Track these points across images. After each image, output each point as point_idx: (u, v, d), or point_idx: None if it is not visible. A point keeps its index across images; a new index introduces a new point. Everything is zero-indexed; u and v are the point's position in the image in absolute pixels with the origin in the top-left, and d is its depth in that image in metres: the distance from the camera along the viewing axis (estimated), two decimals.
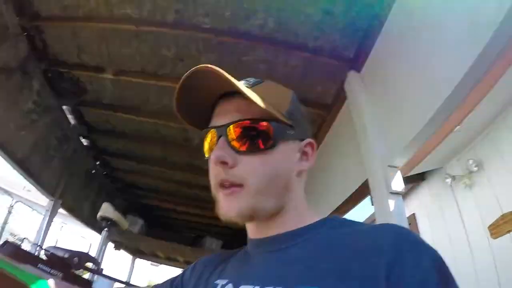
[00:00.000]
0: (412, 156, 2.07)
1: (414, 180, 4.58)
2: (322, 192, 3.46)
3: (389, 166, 2.08)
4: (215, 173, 0.77)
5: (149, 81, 3.20)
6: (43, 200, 4.72)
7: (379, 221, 2.04)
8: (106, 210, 3.77)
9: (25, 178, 3.82)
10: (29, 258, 2.27)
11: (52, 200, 4.37)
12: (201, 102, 0.84)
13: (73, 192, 4.80)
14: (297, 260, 0.71)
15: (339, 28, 2.44)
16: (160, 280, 1.14)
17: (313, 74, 2.84)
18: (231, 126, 0.76)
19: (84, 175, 5.07)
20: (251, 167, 0.75)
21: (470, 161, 3.74)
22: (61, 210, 4.65)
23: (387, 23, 2.28)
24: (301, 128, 0.85)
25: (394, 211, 1.92)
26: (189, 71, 0.77)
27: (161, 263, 8.25)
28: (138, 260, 8.41)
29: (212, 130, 0.80)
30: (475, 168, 3.69)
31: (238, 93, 0.77)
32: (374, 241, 0.65)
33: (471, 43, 1.46)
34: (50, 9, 2.87)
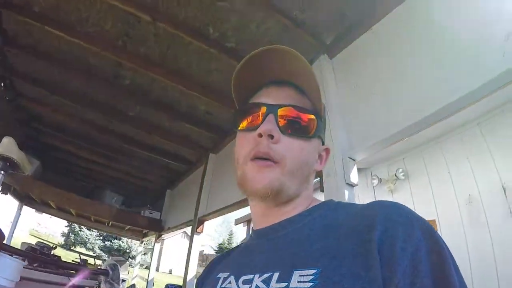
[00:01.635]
0: (371, 154, 2.21)
1: None
2: None
3: (349, 157, 2.16)
4: (254, 143, 0.81)
5: None
6: None
7: None
8: (8, 147, 3.04)
9: None
10: None
11: None
12: (256, 79, 0.91)
13: None
14: (293, 244, 0.75)
15: (328, 10, 2.48)
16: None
17: (285, 43, 2.73)
18: (284, 108, 0.83)
19: None
20: (291, 149, 0.81)
21: (400, 170, 4.24)
22: None
23: (377, 26, 2.37)
24: (324, 134, 0.97)
25: (347, 200, 2.02)
26: (269, 47, 0.83)
27: (51, 214, 7.49)
28: (25, 208, 7.52)
29: (262, 106, 0.85)
30: (403, 177, 4.18)
31: (290, 82, 0.88)
32: (366, 218, 0.67)
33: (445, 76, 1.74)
34: None
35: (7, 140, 3.12)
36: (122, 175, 6.91)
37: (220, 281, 0.83)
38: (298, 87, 0.88)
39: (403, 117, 1.92)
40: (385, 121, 2.05)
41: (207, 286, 0.93)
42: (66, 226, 32.75)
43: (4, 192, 6.30)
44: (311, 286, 0.61)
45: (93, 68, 3.85)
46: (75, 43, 3.47)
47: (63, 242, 31.79)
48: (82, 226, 27.23)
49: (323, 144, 0.96)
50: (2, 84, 4.56)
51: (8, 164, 3.12)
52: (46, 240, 20.70)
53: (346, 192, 2.04)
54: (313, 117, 0.86)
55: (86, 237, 32.23)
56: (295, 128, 0.83)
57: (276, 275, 0.68)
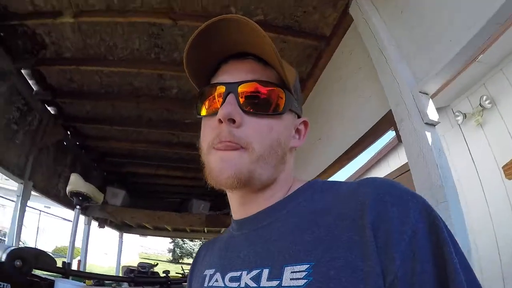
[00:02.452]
0: (444, 83, 1.85)
1: None
2: (327, 135, 3.28)
3: (420, 92, 1.84)
4: (215, 132, 0.72)
5: (117, 19, 2.84)
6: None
7: (411, 161, 1.84)
8: (76, 183, 3.26)
9: None
10: None
11: (21, 183, 3.85)
12: (210, 57, 0.80)
13: (44, 170, 4.33)
14: (281, 236, 0.68)
15: None
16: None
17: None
18: (244, 84, 0.73)
19: (55, 149, 4.57)
20: (258, 130, 0.72)
21: (484, 97, 3.51)
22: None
23: None
24: (299, 105, 0.86)
25: (433, 144, 1.70)
26: (215, 19, 0.71)
27: (150, 235, 7.98)
28: (126, 236, 8.08)
29: (219, 86, 0.75)
30: (489, 105, 3.48)
31: (252, 54, 0.78)
32: (356, 200, 0.62)
33: None
34: None
35: (73, 177, 3.34)
36: (202, 182, 6.82)
37: (207, 279, 0.79)
38: (260, 59, 0.78)
39: (464, 28, 1.60)
40: (444, 40, 1.74)
41: (194, 284, 0.88)
42: (170, 243, 35.03)
43: (101, 225, 6.79)
44: (305, 283, 0.56)
45: (139, 89, 3.91)
46: (114, 72, 3.58)
47: (171, 258, 34.12)
48: (184, 239, 28.78)
49: (299, 117, 0.86)
50: (69, 132, 4.89)
51: (80, 198, 3.31)
52: (153, 259, 22.17)
53: (428, 134, 1.72)
54: (279, 90, 0.75)
55: (190, 248, 34.20)
56: (260, 106, 0.73)
57: (265, 271, 0.63)
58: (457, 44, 1.62)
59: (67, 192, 3.26)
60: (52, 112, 4.33)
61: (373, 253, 0.53)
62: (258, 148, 0.70)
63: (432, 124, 1.78)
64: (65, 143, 4.88)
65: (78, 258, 5.99)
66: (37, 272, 2.65)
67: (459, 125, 3.79)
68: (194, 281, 0.91)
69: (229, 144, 0.69)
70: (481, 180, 3.49)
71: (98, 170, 6.08)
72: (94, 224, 6.71)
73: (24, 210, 3.94)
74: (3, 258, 2.06)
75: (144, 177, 6.65)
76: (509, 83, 3.34)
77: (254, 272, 0.65)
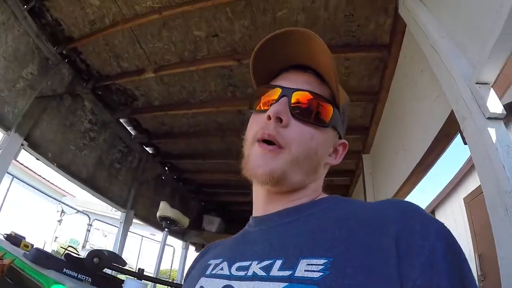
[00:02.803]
0: (503, 64, 1.53)
1: None
2: (403, 147, 3.12)
3: (477, 83, 1.59)
4: (261, 126, 0.75)
5: (190, 68, 3.14)
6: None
7: (477, 166, 1.56)
8: (164, 209, 3.77)
9: (94, 195, 3.99)
10: (53, 264, 2.32)
11: (124, 211, 4.53)
12: (275, 62, 0.86)
13: (145, 200, 4.95)
14: (299, 233, 0.68)
15: None
16: None
17: (360, 10, 2.56)
18: (299, 92, 0.77)
19: (154, 182, 5.20)
20: (300, 135, 0.74)
21: None
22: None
23: None
24: (343, 128, 0.89)
25: (498, 142, 1.42)
26: (288, 29, 0.78)
27: None
28: None
29: (276, 88, 0.79)
30: None
31: (312, 69, 0.82)
32: (380, 213, 0.63)
33: None
34: (80, 28, 2.98)
35: (162, 204, 3.81)
36: None
37: (211, 267, 0.76)
38: (319, 74, 0.82)
39: None
40: (490, 13, 1.47)
41: (195, 273, 0.83)
42: None
43: (198, 250, 7.23)
44: (321, 276, 0.55)
45: (223, 125, 4.19)
46: (198, 113, 3.91)
47: None
48: None
49: (340, 138, 0.87)
50: (167, 168, 5.42)
51: (168, 222, 3.74)
52: None
53: (492, 131, 1.45)
54: (329, 105, 0.79)
55: None
56: (307, 114, 0.76)
57: (278, 262, 0.62)
58: (502, 13, 1.36)
59: (157, 217, 3.79)
60: (150, 151, 4.91)
61: (393, 260, 0.54)
62: (295, 151, 0.73)
63: (496, 118, 1.51)
64: (163, 177, 5.46)
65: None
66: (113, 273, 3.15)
67: None
68: (194, 270, 0.88)
69: (271, 138, 0.72)
70: None
71: (195, 200, 6.60)
72: (192, 248, 7.24)
73: (126, 235, 4.61)
74: (85, 256, 2.55)
75: (238, 205, 6.98)
76: None
77: (265, 262, 0.64)
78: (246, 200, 6.38)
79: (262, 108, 0.79)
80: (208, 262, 0.79)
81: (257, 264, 0.65)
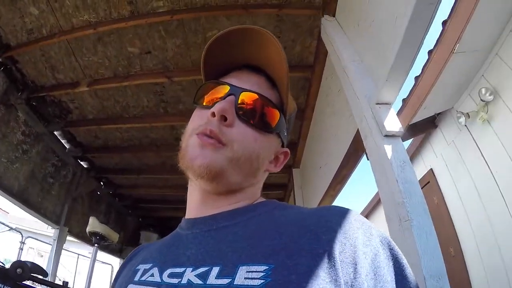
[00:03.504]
0: (399, 87, 1.72)
1: (424, 128, 3.92)
2: (324, 162, 3.36)
3: (377, 104, 1.76)
4: (204, 121, 0.72)
5: (124, 83, 3.32)
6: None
7: (377, 180, 1.72)
8: (92, 224, 3.79)
9: (26, 211, 3.94)
10: None
11: (57, 228, 4.46)
12: (228, 58, 0.84)
13: (79, 217, 4.91)
14: (237, 238, 0.65)
15: None
16: None
17: (286, 32, 2.86)
18: (247, 93, 0.75)
19: (89, 198, 5.19)
20: (243, 136, 0.73)
21: (483, 90, 3.06)
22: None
23: None
24: (287, 137, 0.88)
25: (394, 158, 1.56)
26: (248, 26, 0.77)
27: None
28: None
29: (225, 85, 0.77)
30: (490, 97, 3.02)
31: (264, 73, 0.82)
32: (321, 219, 0.62)
33: None
34: (17, 36, 3.06)
35: (91, 219, 3.91)
36: None
37: (139, 273, 0.71)
38: (270, 78, 0.81)
39: (399, 17, 1.54)
40: (388, 40, 1.69)
41: (122, 280, 0.78)
42: None
43: None
44: (262, 283, 0.53)
45: (156, 140, 4.36)
46: (131, 128, 4.06)
47: None
48: None
49: (283, 146, 0.87)
50: (102, 183, 5.44)
51: (97, 237, 3.83)
52: None
53: (388, 148, 1.59)
54: (276, 111, 0.78)
55: None
56: (253, 116, 0.74)
57: (215, 269, 0.59)
58: (396, 39, 1.53)
59: (86, 232, 3.83)
60: (85, 165, 4.93)
61: (337, 266, 0.53)
62: (237, 149, 0.71)
63: (393, 136, 1.66)
64: (98, 193, 5.47)
65: None
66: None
67: (466, 126, 3.36)
68: (121, 276, 0.81)
69: (212, 135, 0.69)
70: (498, 184, 3.01)
71: (132, 215, 6.59)
72: None
73: (60, 252, 4.51)
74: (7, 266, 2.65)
75: (176, 221, 6.90)
76: (508, 68, 2.87)
77: (201, 269, 0.60)
78: (183, 215, 6.49)
79: (207, 104, 0.78)
80: (137, 267, 0.74)
81: (191, 271, 0.61)
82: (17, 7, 2.78)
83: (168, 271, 0.65)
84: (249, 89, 0.75)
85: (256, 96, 0.75)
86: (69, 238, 4.74)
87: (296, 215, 0.67)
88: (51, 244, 4.57)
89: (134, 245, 6.52)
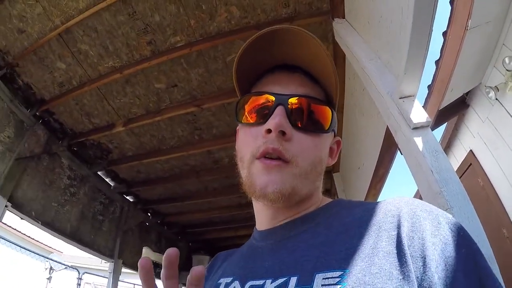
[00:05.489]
0: (418, 77, 1.68)
1: (456, 110, 3.70)
2: (362, 162, 3.36)
3: (400, 98, 1.74)
4: (261, 141, 0.68)
5: (156, 118, 3.41)
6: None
7: (413, 173, 1.70)
8: (146, 253, 3.96)
9: (80, 249, 4.12)
10: None
11: (112, 261, 4.63)
12: (261, 63, 0.79)
13: (131, 248, 5.06)
14: (310, 246, 0.64)
15: None
16: None
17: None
18: (295, 98, 0.71)
19: (138, 229, 5.35)
20: (304, 147, 0.69)
21: (507, 59, 2.87)
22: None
23: None
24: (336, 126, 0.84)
25: (425, 149, 1.55)
26: (278, 26, 0.72)
27: None
28: None
29: (268, 95, 0.72)
30: None
31: (299, 68, 0.77)
32: (388, 214, 0.61)
33: None
34: (50, 91, 3.26)
35: (144, 249, 4.12)
36: None
37: (222, 287, 0.71)
38: (308, 73, 0.76)
39: (405, 9, 1.53)
40: (400, 33, 1.66)
41: None
42: None
43: None
44: None
45: (196, 166, 4.45)
46: (170, 158, 4.15)
47: None
48: None
49: (335, 135, 0.84)
50: (149, 214, 5.62)
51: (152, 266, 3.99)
52: None
53: (418, 140, 1.58)
54: (327, 109, 0.74)
55: None
56: (308, 123, 0.71)
57: (293, 279, 0.58)
58: (406, 30, 1.52)
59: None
60: (131, 200, 5.11)
61: (408, 262, 0.53)
62: (302, 164, 0.68)
63: (422, 127, 1.64)
64: (147, 223, 5.63)
65: None
66: None
67: (497, 100, 3.16)
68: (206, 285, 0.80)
69: (276, 153, 0.67)
70: None
71: (182, 241, 6.72)
72: None
73: (116, 284, 4.70)
74: None
75: (226, 240, 7.06)
76: None
77: (280, 280, 0.60)
78: (233, 234, 6.57)
79: (255, 120, 0.74)
80: (218, 281, 0.74)
81: (271, 283, 0.61)
82: (45, 64, 2.97)
83: (249, 283, 0.65)
84: (295, 93, 0.72)
85: (304, 99, 0.72)
86: (124, 270, 4.88)
87: (363, 213, 0.66)
88: (107, 277, 4.73)
89: (188, 270, 6.57)
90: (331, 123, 0.73)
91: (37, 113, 3.42)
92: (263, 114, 0.71)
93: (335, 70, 0.71)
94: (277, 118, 0.66)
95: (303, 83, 0.74)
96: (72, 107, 3.40)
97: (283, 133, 0.67)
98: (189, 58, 2.93)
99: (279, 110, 0.68)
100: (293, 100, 0.70)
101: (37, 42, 2.74)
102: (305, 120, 0.71)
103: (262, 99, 0.73)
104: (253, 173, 0.68)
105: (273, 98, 0.70)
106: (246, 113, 0.75)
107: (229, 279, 0.71)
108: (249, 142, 0.72)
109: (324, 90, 0.76)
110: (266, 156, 0.67)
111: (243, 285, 0.66)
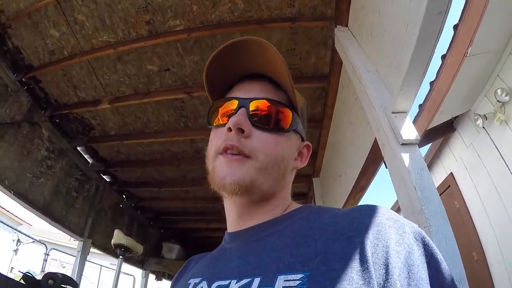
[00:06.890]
0: (414, 95, 1.70)
1: (443, 132, 3.81)
2: (344, 170, 3.35)
3: (393, 113, 1.77)
4: (223, 138, 0.74)
5: (144, 100, 3.36)
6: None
7: (395, 187, 1.73)
8: (118, 236, 3.86)
9: (51, 224, 4.02)
10: (13, 286, 2.52)
11: (81, 240, 4.54)
12: (228, 74, 0.86)
13: (102, 229, 4.99)
14: (275, 248, 0.67)
15: None
16: None
17: (301, 44, 2.87)
18: (255, 101, 0.77)
19: (112, 211, 5.27)
20: (264, 143, 0.74)
21: (499, 91, 2.97)
22: None
23: None
24: (304, 130, 0.89)
25: (411, 166, 1.57)
26: (238, 39, 0.78)
27: None
28: None
29: (232, 100, 0.79)
30: (506, 98, 2.92)
31: (266, 77, 0.83)
32: (354, 221, 0.63)
33: None
34: (40, 58, 3.15)
35: (116, 232, 3.99)
36: None
37: (191, 287, 0.74)
38: (273, 81, 0.83)
39: (410, 28, 1.55)
40: (400, 49, 1.70)
41: None
42: None
43: (159, 278, 7.28)
44: None
45: (177, 153, 4.40)
46: (152, 142, 4.10)
47: None
48: None
49: (303, 140, 0.88)
50: (124, 196, 5.54)
51: (122, 249, 3.87)
52: None
53: (405, 156, 1.60)
54: (288, 110, 0.79)
55: None
56: (267, 122, 0.76)
57: (256, 280, 0.61)
58: (409, 49, 1.54)
59: (111, 244, 3.90)
60: (107, 179, 5.02)
61: (369, 268, 0.54)
62: (262, 158, 0.72)
63: (410, 144, 1.67)
64: (121, 206, 5.54)
65: None
66: None
67: (484, 128, 3.28)
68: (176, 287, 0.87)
69: (235, 149, 0.71)
70: None
71: (154, 227, 6.68)
72: (152, 277, 7.27)
73: (84, 264, 4.58)
74: (40, 277, 2.73)
75: (198, 231, 7.07)
76: None
77: (244, 281, 0.63)
78: (205, 226, 6.56)
79: (221, 122, 0.79)
80: (188, 281, 0.77)
81: (236, 283, 0.64)
82: (38, 30, 2.87)
83: (215, 284, 0.68)
84: (257, 96, 0.78)
85: (264, 101, 0.77)
86: (92, 250, 4.80)
87: (330, 218, 0.68)
88: (74, 256, 4.63)
89: (156, 257, 6.67)
90: (291, 124, 0.79)
91: (23, 79, 3.31)
92: (228, 116, 0.77)
93: (289, 73, 0.76)
94: (236, 118, 0.73)
95: (265, 89, 0.81)
96: (59, 78, 3.32)
97: (242, 130, 0.72)
98: (186, 44, 2.89)
99: (241, 111, 0.75)
100: (254, 102, 0.77)
101: (33, 5, 2.65)
102: (265, 120, 0.76)
103: (228, 104, 0.80)
104: (215, 166, 0.73)
105: (237, 102, 0.77)
106: (214, 117, 0.83)
107: (197, 280, 0.75)
108: (214, 141, 0.78)
109: (287, 95, 0.82)
110: (228, 152, 0.72)
111: (210, 285, 0.69)
